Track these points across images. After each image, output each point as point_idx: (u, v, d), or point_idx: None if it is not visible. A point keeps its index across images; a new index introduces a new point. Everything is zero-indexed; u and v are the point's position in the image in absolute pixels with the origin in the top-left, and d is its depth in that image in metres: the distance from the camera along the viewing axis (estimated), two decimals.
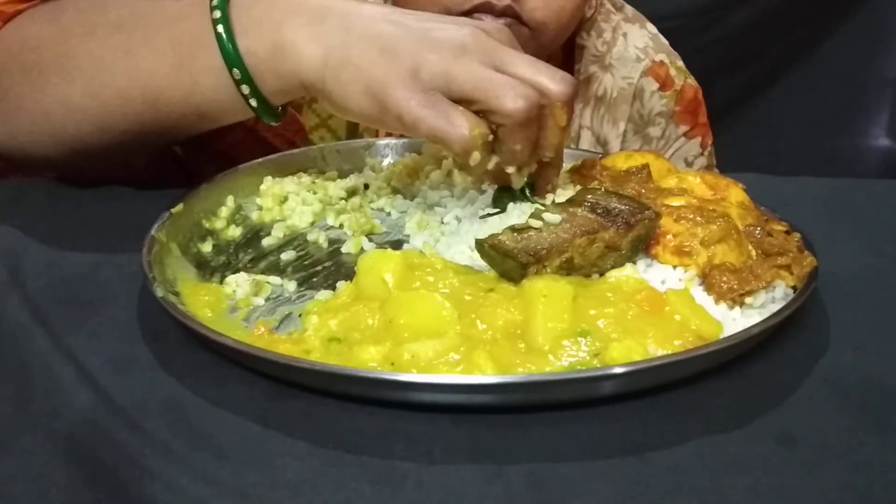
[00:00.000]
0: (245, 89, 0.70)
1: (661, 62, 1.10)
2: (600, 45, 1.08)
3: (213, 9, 0.69)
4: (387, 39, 0.66)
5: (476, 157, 0.66)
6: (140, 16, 0.74)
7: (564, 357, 0.55)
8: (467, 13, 0.90)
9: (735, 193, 0.72)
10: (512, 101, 0.63)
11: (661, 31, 1.20)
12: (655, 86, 1.10)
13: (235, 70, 0.69)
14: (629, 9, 1.15)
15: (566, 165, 0.83)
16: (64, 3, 0.77)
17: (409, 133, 0.68)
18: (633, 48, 1.10)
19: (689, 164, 1.11)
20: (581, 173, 0.79)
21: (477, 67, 0.64)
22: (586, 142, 1.09)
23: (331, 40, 0.67)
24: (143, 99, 0.73)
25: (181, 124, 0.75)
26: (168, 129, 0.75)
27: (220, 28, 0.69)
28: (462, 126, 0.64)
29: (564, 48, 1.09)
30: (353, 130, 1.03)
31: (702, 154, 1.14)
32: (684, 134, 1.12)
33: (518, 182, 0.71)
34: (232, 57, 0.69)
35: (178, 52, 0.71)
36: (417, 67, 0.64)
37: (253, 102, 0.71)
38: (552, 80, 0.65)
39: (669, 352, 0.55)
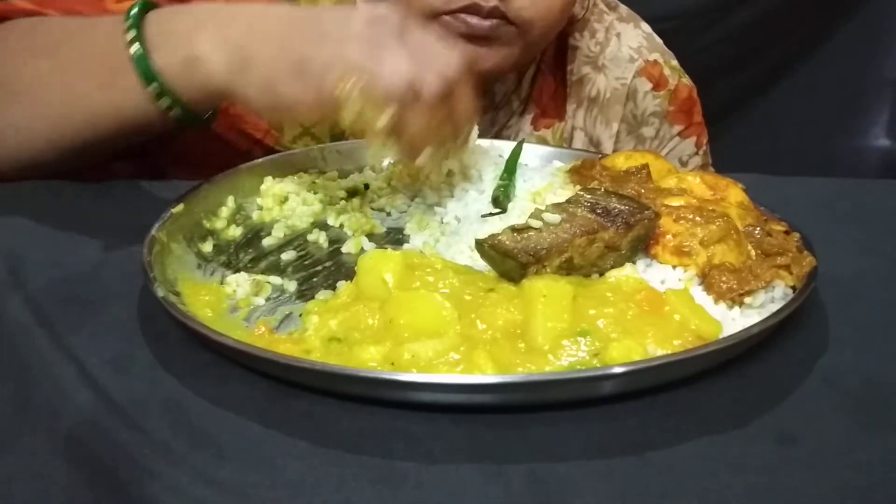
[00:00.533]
0: (164, 103, 0.73)
1: (655, 62, 1.09)
2: (593, 46, 1.08)
3: (127, 29, 0.73)
4: (281, 37, 0.69)
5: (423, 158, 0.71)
6: (71, 36, 0.78)
7: (564, 357, 0.55)
8: (454, 13, 0.90)
9: (734, 193, 0.72)
10: (388, 82, 0.65)
11: (660, 31, 1.19)
12: (649, 86, 1.08)
13: (153, 85, 0.72)
14: (623, 8, 1.15)
15: (566, 165, 0.83)
16: (4, 30, 0.81)
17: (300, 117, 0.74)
18: (627, 48, 1.09)
19: (683, 164, 1.11)
20: (581, 173, 0.79)
21: (360, 51, 0.66)
22: (579, 143, 1.07)
23: (234, 46, 0.70)
24: (82, 118, 0.76)
25: (121, 136, 0.78)
26: (111, 140, 0.78)
27: (134, 48, 0.72)
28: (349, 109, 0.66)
29: (557, 47, 1.09)
30: (339, 137, 1.03)
31: (697, 153, 1.13)
32: (678, 133, 1.10)
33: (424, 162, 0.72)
34: (148, 74, 0.72)
35: (103, 71, 0.74)
36: (304, 60, 0.67)
37: (174, 114, 0.74)
38: (446, 55, 0.68)
39: (669, 352, 0.55)
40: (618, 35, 1.09)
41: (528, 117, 1.07)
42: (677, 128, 1.10)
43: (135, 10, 0.73)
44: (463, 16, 0.90)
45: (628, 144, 1.09)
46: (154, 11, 0.75)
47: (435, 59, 0.67)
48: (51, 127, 0.78)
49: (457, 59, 0.68)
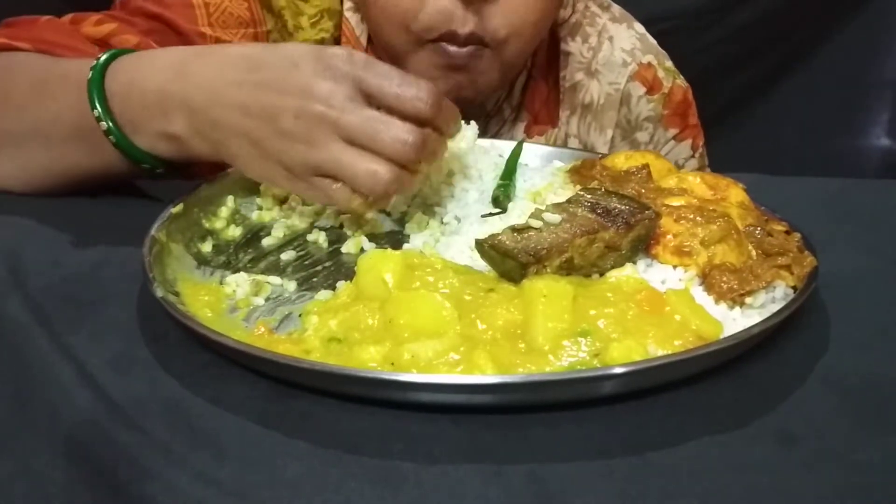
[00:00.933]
0: (159, 172, 0.76)
1: (649, 64, 1.08)
2: (586, 51, 1.07)
3: (98, 119, 0.72)
4: (242, 110, 0.68)
5: (369, 215, 0.74)
6: (43, 91, 0.77)
7: (564, 357, 0.55)
8: (433, 41, 0.90)
9: (735, 193, 0.72)
10: (367, 188, 0.66)
11: (660, 31, 1.18)
12: (642, 90, 1.07)
13: (145, 165, 0.75)
14: (616, 8, 1.13)
15: (566, 165, 0.83)
16: None
17: None
18: (620, 51, 1.07)
19: (680, 168, 1.10)
20: (581, 173, 0.79)
21: (329, 150, 0.66)
22: None
23: (205, 125, 0.70)
24: (61, 170, 0.78)
25: (105, 181, 0.79)
26: (94, 183, 0.79)
27: (112, 138, 0.73)
28: (342, 200, 0.68)
29: (549, 53, 1.08)
30: None
31: (693, 156, 1.12)
32: (673, 137, 1.10)
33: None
34: (136, 157, 0.74)
35: (83, 144, 0.75)
36: (282, 162, 0.68)
37: (160, 171, 0.76)
38: (394, 143, 0.66)
39: (669, 352, 0.55)
40: (610, 38, 1.08)
41: (521, 125, 1.07)
42: (672, 131, 1.10)
43: (95, 95, 0.72)
44: (442, 45, 0.90)
45: (622, 150, 1.08)
46: (112, 79, 0.73)
47: (399, 127, 0.66)
48: (32, 178, 0.79)
49: (427, 95, 0.67)
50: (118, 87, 0.73)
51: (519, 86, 1.06)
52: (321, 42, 0.99)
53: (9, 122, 0.78)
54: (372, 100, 0.66)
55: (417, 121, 0.67)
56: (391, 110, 0.66)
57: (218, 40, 0.95)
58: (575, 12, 1.08)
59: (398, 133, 0.66)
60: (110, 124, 0.72)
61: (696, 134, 1.12)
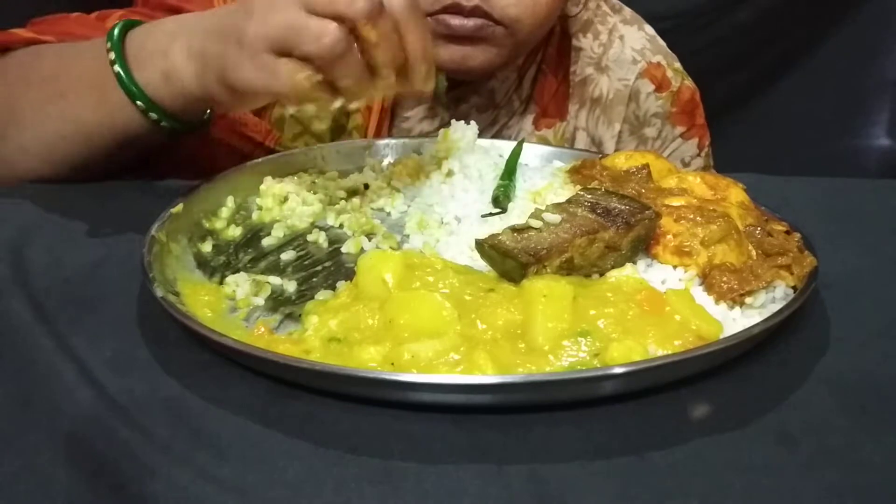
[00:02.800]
0: (153, 116, 0.77)
1: (658, 63, 1.09)
2: (597, 48, 1.08)
3: (108, 50, 0.76)
4: (220, 29, 0.71)
5: (310, 108, 0.72)
6: (65, 63, 0.82)
7: (564, 357, 0.55)
8: (437, 13, 0.90)
9: (735, 193, 0.72)
10: (313, 42, 0.65)
11: (659, 31, 1.19)
12: (651, 87, 1.09)
13: (139, 102, 0.76)
14: (627, 11, 1.15)
15: (566, 165, 0.83)
16: (6, 61, 0.87)
17: (257, 100, 0.76)
18: (630, 50, 1.09)
19: (685, 165, 1.09)
20: (581, 173, 0.79)
21: (285, 16, 0.67)
22: (581, 143, 1.08)
23: (196, 52, 0.73)
24: (80, 138, 0.81)
25: (119, 150, 0.81)
26: (110, 156, 0.82)
27: (117, 68, 0.76)
28: (284, 75, 0.67)
29: (559, 48, 1.09)
30: (339, 133, 1.03)
31: (699, 155, 1.12)
32: (681, 135, 1.11)
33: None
34: (133, 92, 0.76)
35: (94, 92, 0.78)
36: (240, 39, 0.68)
37: (165, 125, 0.78)
38: (348, 5, 0.66)
39: (669, 352, 0.55)
40: (621, 37, 1.09)
41: (530, 117, 1.07)
42: (679, 129, 1.11)
43: (116, 31, 0.77)
44: (445, 17, 0.89)
45: (630, 145, 1.10)
46: (133, 31, 0.78)
47: None
48: (51, 149, 0.82)
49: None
50: (136, 34, 0.78)
51: (529, 78, 1.07)
52: None
53: (29, 98, 0.82)
54: None
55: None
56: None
57: None
58: (587, 10, 1.09)
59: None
60: (119, 62, 0.76)
61: (703, 134, 1.13)
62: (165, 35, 0.76)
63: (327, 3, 0.66)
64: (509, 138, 1.03)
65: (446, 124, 0.97)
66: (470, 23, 0.90)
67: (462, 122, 0.88)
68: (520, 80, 1.06)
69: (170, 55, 0.74)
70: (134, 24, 0.79)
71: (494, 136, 1.03)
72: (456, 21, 0.89)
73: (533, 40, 1.00)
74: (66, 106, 0.80)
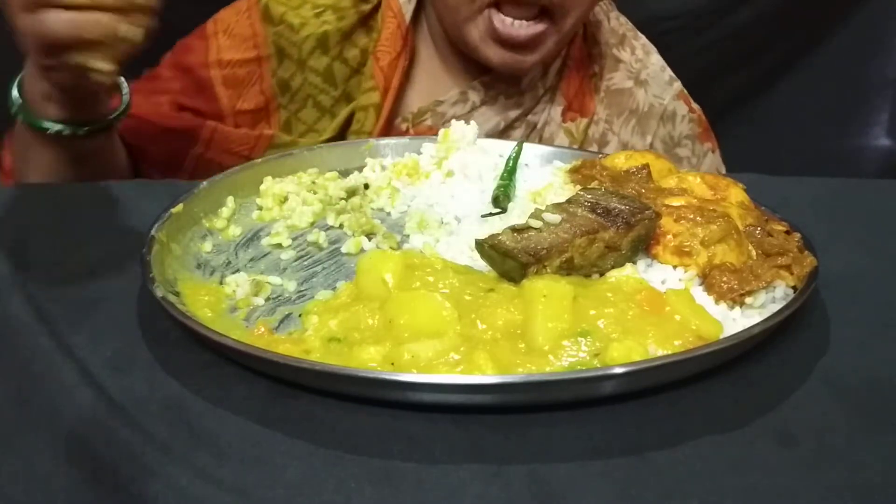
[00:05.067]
0: (65, 131, 0.85)
1: (683, 90, 1.17)
2: (634, 63, 1.16)
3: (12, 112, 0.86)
4: None
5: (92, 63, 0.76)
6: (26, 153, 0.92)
7: (564, 357, 0.55)
8: (495, 5, 0.97)
9: (735, 193, 0.72)
10: None
11: (660, 32, 1.24)
12: (686, 110, 1.16)
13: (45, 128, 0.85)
14: (642, 36, 1.21)
15: (566, 165, 0.83)
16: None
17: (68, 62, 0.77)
18: (666, 71, 1.17)
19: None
20: (581, 173, 0.79)
21: None
22: (613, 146, 1.13)
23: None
24: (59, 178, 0.89)
25: (100, 166, 0.90)
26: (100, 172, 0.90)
27: (16, 113, 0.86)
28: (54, 22, 0.72)
29: (582, 51, 1.14)
30: (343, 131, 1.05)
31: (722, 164, 1.20)
32: (710, 150, 1.19)
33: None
34: (38, 124, 0.85)
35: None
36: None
37: (79, 132, 0.86)
38: None
39: (669, 352, 0.55)
40: (647, 54, 1.17)
41: (558, 108, 1.13)
42: (707, 145, 1.18)
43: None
44: (500, 15, 0.98)
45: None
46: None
47: None
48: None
49: None
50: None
51: (553, 70, 1.13)
52: (325, 34, 1.05)
53: (22, 165, 0.93)
54: None
55: None
56: None
57: (220, 62, 1.04)
58: (620, 24, 1.17)
59: None
60: (16, 103, 0.85)
61: (716, 149, 1.21)
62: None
63: None
64: (536, 124, 1.11)
65: (477, 108, 1.09)
66: (524, 32, 0.99)
67: (462, 122, 0.88)
68: (544, 70, 1.12)
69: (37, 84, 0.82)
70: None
71: (522, 120, 1.11)
72: (511, 30, 0.99)
73: (573, 32, 1.08)
74: (36, 167, 0.89)
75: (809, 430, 0.53)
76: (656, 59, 1.17)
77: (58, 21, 0.72)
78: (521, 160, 0.85)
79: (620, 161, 0.79)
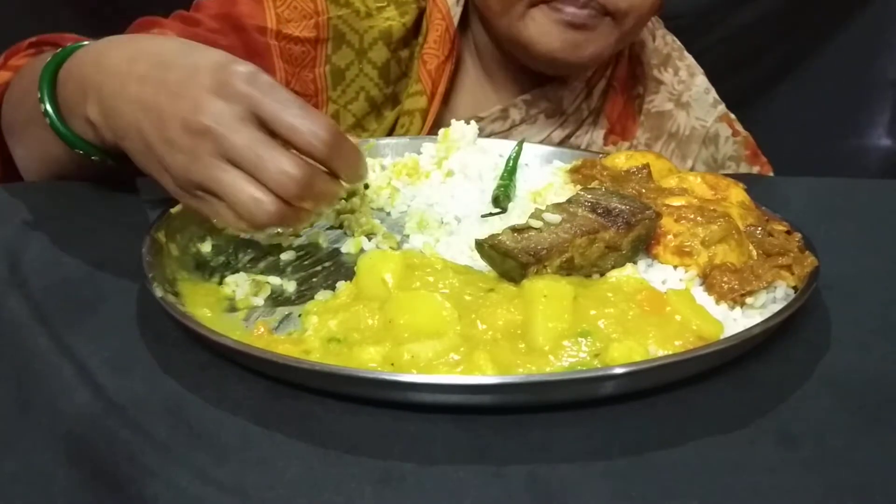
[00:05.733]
0: (96, 159, 0.75)
1: (728, 112, 1.14)
2: (677, 84, 1.13)
3: (39, 98, 0.74)
4: (142, 137, 0.65)
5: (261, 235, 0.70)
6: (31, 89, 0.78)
7: (565, 357, 0.55)
8: (551, 2, 0.93)
9: (736, 193, 0.72)
10: (247, 215, 0.61)
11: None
12: (729, 132, 1.14)
13: (78, 148, 0.74)
14: (688, 56, 1.17)
15: (566, 165, 0.83)
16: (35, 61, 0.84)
17: None
18: (711, 94, 1.14)
19: None
20: (581, 173, 0.79)
21: (211, 167, 0.61)
22: None
23: (110, 114, 0.68)
24: (52, 157, 0.80)
25: (84, 168, 0.79)
26: (80, 171, 0.81)
27: (48, 109, 0.73)
28: (226, 220, 0.63)
29: (628, 71, 1.12)
30: (388, 135, 1.05)
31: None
32: (757, 173, 1.17)
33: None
34: (65, 136, 0.74)
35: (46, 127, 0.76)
36: (168, 169, 0.64)
37: (95, 158, 0.75)
38: (278, 175, 0.60)
39: (670, 352, 0.55)
40: (692, 76, 1.14)
41: (601, 131, 1.11)
42: (756, 168, 1.16)
43: (50, 67, 0.74)
44: (560, 5, 0.93)
45: None
46: (63, 66, 0.74)
47: (286, 159, 0.61)
48: (36, 161, 0.83)
49: (325, 133, 0.61)
50: (63, 74, 0.74)
51: (598, 91, 1.10)
52: (389, 29, 1.01)
53: (17, 114, 0.82)
54: (266, 126, 0.62)
55: (311, 157, 0.62)
56: (284, 140, 0.62)
57: (278, 34, 0.97)
58: (665, 44, 1.14)
59: (283, 164, 0.60)
60: (48, 108, 0.73)
61: (769, 169, 1.18)
62: (78, 84, 0.71)
63: (258, 168, 0.60)
64: (578, 148, 1.06)
65: (517, 126, 1.04)
66: (584, 12, 0.93)
67: (462, 122, 0.88)
68: (588, 91, 1.09)
69: (88, 105, 0.70)
70: (73, 51, 0.74)
71: (560, 144, 1.07)
72: (571, 9, 0.93)
73: (634, 34, 1.05)
74: (37, 134, 0.78)
75: (809, 430, 0.53)
76: (701, 81, 1.13)
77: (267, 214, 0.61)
78: (521, 160, 0.85)
79: (621, 161, 0.79)
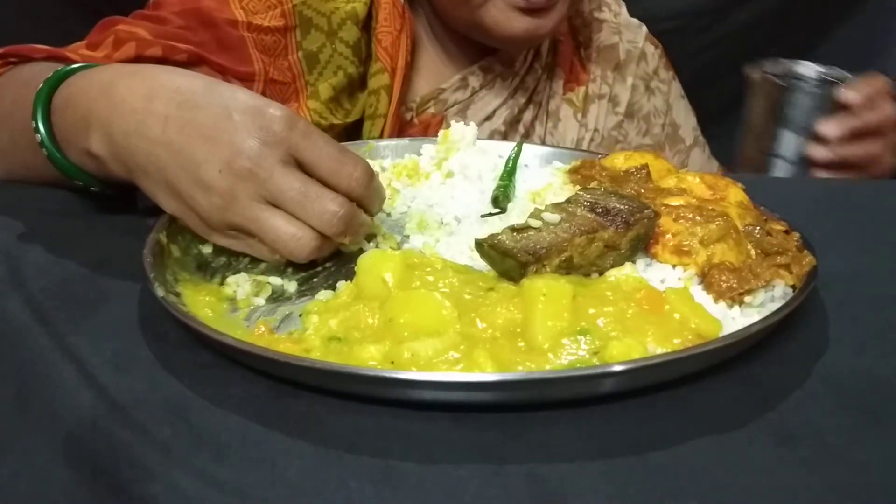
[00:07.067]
0: (95, 190, 0.76)
1: (647, 30, 1.27)
2: (614, 18, 1.24)
3: (34, 127, 0.72)
4: (166, 177, 0.65)
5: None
6: (15, 107, 0.78)
7: (564, 355, 0.55)
8: None
9: (734, 193, 0.72)
10: (288, 252, 0.65)
11: (661, 31, 1.30)
12: (653, 48, 1.27)
13: (73, 178, 0.74)
14: None
15: (566, 165, 0.83)
16: (11, 74, 0.85)
17: None
18: (629, 17, 1.26)
19: (682, 97, 1.31)
20: (580, 173, 0.79)
21: (250, 209, 0.64)
22: (602, 105, 1.20)
23: (120, 150, 0.67)
24: (38, 178, 0.80)
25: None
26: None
27: (42, 137, 0.72)
28: (261, 256, 0.68)
29: (570, 22, 1.20)
30: (352, 134, 1.05)
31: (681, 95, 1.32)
32: (673, 77, 1.31)
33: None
34: (66, 171, 0.73)
35: (37, 153, 0.74)
36: (196, 210, 0.65)
37: (94, 189, 0.76)
38: (322, 215, 0.64)
39: (669, 350, 0.55)
40: (619, 6, 1.26)
41: (559, 81, 1.20)
42: (671, 73, 1.30)
43: (40, 104, 0.72)
44: None
45: (644, 98, 1.26)
46: (58, 93, 0.72)
47: (330, 199, 0.64)
48: (22, 176, 0.83)
49: (362, 175, 0.66)
50: (58, 101, 0.72)
51: (545, 48, 1.19)
52: (354, 10, 1.02)
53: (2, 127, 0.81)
54: (304, 168, 0.65)
55: (349, 197, 0.66)
56: (323, 181, 0.65)
57: (250, 26, 0.97)
58: None
59: (328, 205, 0.64)
60: (44, 136, 0.72)
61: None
62: (80, 115, 0.69)
63: (301, 209, 0.63)
64: (540, 103, 1.17)
65: (477, 92, 1.13)
66: None
67: (462, 122, 0.88)
68: (537, 50, 1.16)
69: (91, 139, 0.68)
70: (62, 78, 0.73)
71: (525, 100, 1.16)
72: None
73: (577, 4, 1.15)
74: (24, 154, 0.78)
75: (809, 430, 0.53)
76: (624, 9, 1.26)
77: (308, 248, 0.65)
78: (521, 160, 0.85)
79: (620, 161, 0.79)
